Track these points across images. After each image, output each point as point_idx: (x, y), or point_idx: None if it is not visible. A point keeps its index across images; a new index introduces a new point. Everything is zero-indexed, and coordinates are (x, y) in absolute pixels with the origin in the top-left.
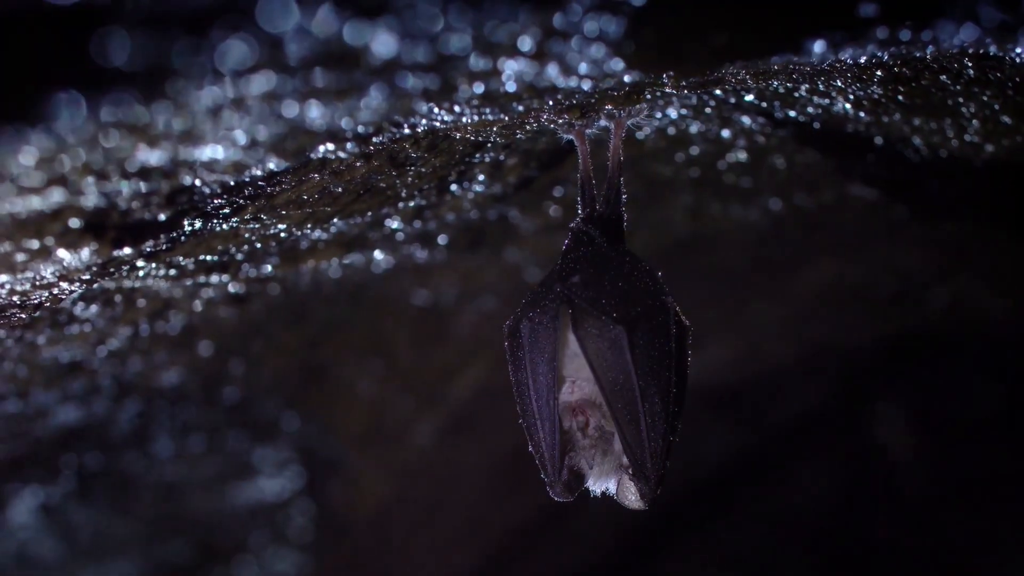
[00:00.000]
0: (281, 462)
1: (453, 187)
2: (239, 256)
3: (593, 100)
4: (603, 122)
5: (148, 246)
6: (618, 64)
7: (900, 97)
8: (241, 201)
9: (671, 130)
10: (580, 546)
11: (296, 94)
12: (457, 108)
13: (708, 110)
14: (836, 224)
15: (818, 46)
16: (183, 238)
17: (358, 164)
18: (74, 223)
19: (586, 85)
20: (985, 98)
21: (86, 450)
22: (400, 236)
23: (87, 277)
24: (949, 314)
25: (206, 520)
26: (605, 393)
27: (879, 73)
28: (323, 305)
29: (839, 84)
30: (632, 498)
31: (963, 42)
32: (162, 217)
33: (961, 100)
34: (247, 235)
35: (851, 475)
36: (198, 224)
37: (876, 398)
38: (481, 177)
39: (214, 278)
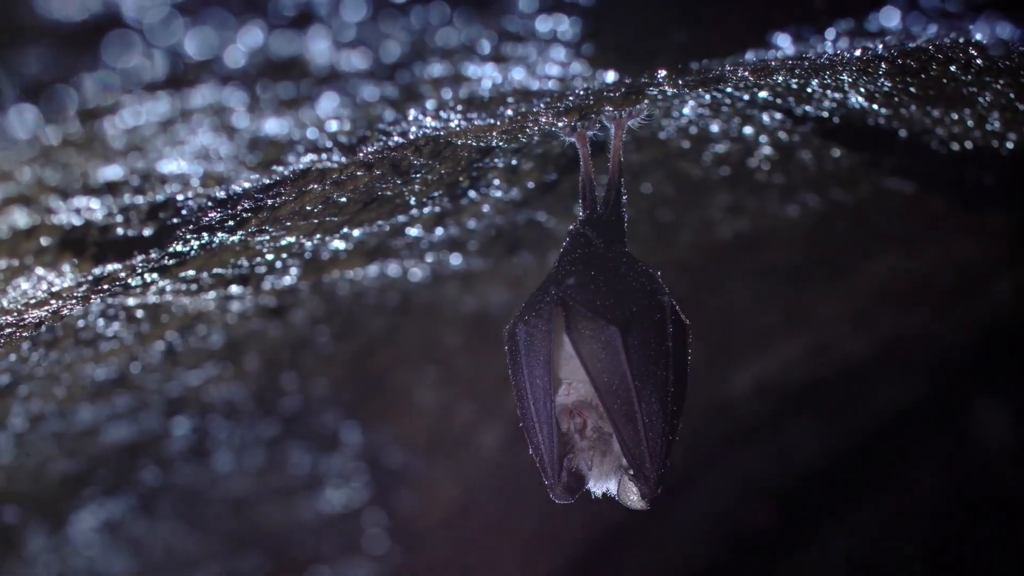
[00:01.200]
0: (347, 473)
1: (470, 193)
2: (259, 269)
3: (591, 102)
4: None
5: (139, 262)
6: (581, 65)
7: (912, 89)
8: (244, 214)
9: (692, 129)
10: (673, 551)
11: (244, 106)
12: (443, 114)
13: (725, 108)
14: (882, 218)
15: (780, 40)
16: (192, 252)
17: (359, 173)
18: (46, 241)
19: (553, 86)
20: (999, 86)
21: (145, 466)
22: (424, 244)
23: (81, 293)
24: (1019, 304)
25: (278, 532)
26: (600, 394)
27: (883, 66)
28: (370, 315)
29: (846, 78)
30: (633, 499)
31: (923, 31)
32: (147, 232)
33: (975, 89)
34: (258, 247)
35: (955, 473)
36: (205, 237)
37: (973, 392)
38: (497, 182)
39: (235, 290)
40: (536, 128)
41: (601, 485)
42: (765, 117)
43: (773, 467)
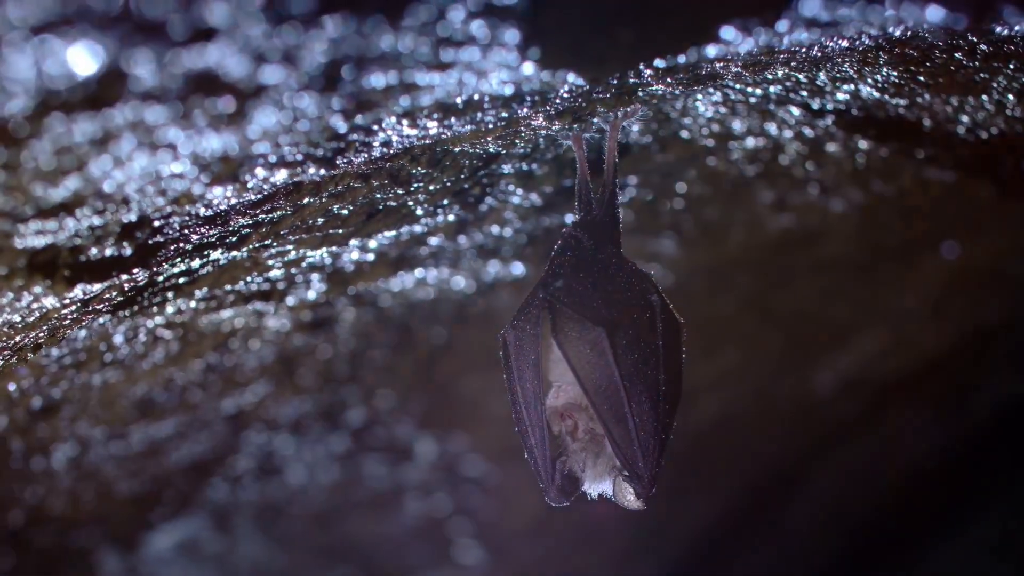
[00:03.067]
0: (426, 483)
1: (487, 200)
2: (280, 285)
3: (582, 104)
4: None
5: (123, 281)
6: (532, 68)
7: (921, 78)
8: (243, 230)
9: (714, 127)
10: (782, 554)
11: (172, 123)
12: (420, 122)
13: (740, 106)
14: (933, 209)
15: (727, 33)
16: (200, 269)
17: (357, 185)
18: (10, 265)
19: (507, 90)
20: (1010, 71)
21: (214, 484)
22: (451, 252)
23: (73, 313)
24: None
25: (366, 545)
26: (589, 395)
27: (882, 55)
28: (426, 326)
29: (849, 70)
30: (630, 499)
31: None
32: (127, 252)
33: (986, 76)
34: (268, 262)
35: None
36: (210, 254)
37: None
38: (512, 188)
39: (261, 306)
40: (532, 133)
41: (596, 486)
42: (783, 113)
43: (882, 463)
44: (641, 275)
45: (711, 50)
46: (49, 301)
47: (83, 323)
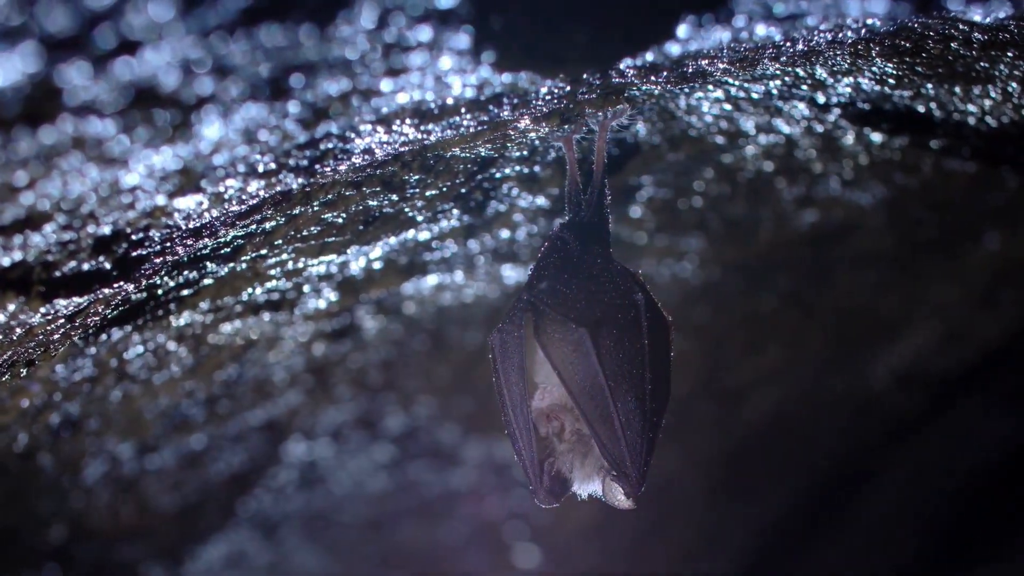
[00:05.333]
0: (477, 487)
1: (492, 204)
2: (290, 294)
3: (569, 105)
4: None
5: (109, 295)
6: (488, 71)
7: (919, 68)
8: (237, 241)
9: (723, 124)
10: (852, 552)
11: (116, 137)
12: (396, 127)
13: (744, 103)
14: (965, 199)
15: (682, 31)
16: (200, 281)
17: (349, 193)
18: None
19: (470, 94)
20: (1009, 58)
21: (257, 495)
22: (462, 257)
23: (58, 328)
24: None
25: (422, 552)
26: (573, 396)
27: (873, 47)
28: (459, 332)
29: (843, 63)
30: (620, 498)
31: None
32: (107, 266)
33: (986, 64)
34: (269, 272)
35: None
36: (208, 266)
37: None
38: (516, 192)
39: (269, 316)
40: (521, 136)
41: (585, 487)
42: (790, 108)
43: (953, 458)
44: (627, 275)
45: (673, 48)
46: (29, 317)
47: (73, 338)
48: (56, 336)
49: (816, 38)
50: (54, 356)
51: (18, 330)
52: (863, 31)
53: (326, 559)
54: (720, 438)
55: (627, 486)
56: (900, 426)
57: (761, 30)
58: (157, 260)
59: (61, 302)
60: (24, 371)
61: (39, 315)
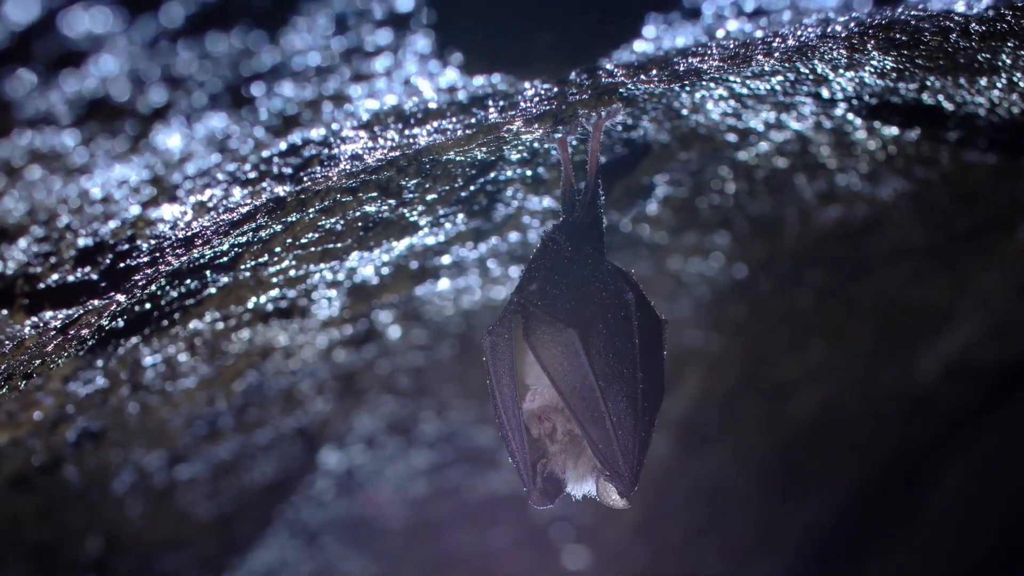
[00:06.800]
0: (520, 491)
1: (499, 207)
2: (300, 302)
3: (562, 107)
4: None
5: (101, 306)
6: (456, 73)
7: (919, 61)
8: (235, 249)
9: (731, 121)
10: (920, 550)
11: (76, 149)
12: (378, 131)
13: (749, 100)
14: (994, 190)
15: (649, 30)
16: (203, 291)
17: (346, 199)
18: None
19: (443, 97)
20: (1010, 48)
21: (295, 503)
22: (474, 260)
23: (50, 339)
24: None
25: (472, 555)
26: (564, 396)
27: (869, 41)
28: None
29: (840, 58)
30: (614, 498)
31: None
32: (94, 277)
33: (988, 56)
34: (272, 280)
35: None
36: (208, 276)
37: None
38: (521, 194)
39: (281, 324)
40: (515, 138)
41: (579, 487)
42: (797, 104)
43: (1014, 451)
44: (619, 274)
45: (646, 47)
46: (16, 331)
47: (68, 350)
48: (50, 348)
49: (805, 32)
50: (52, 368)
51: (8, 343)
52: (852, 24)
53: (373, 566)
54: (769, 435)
55: (620, 486)
56: (956, 420)
57: (733, 26)
58: (149, 270)
59: (48, 314)
60: (23, 384)
61: (28, 327)
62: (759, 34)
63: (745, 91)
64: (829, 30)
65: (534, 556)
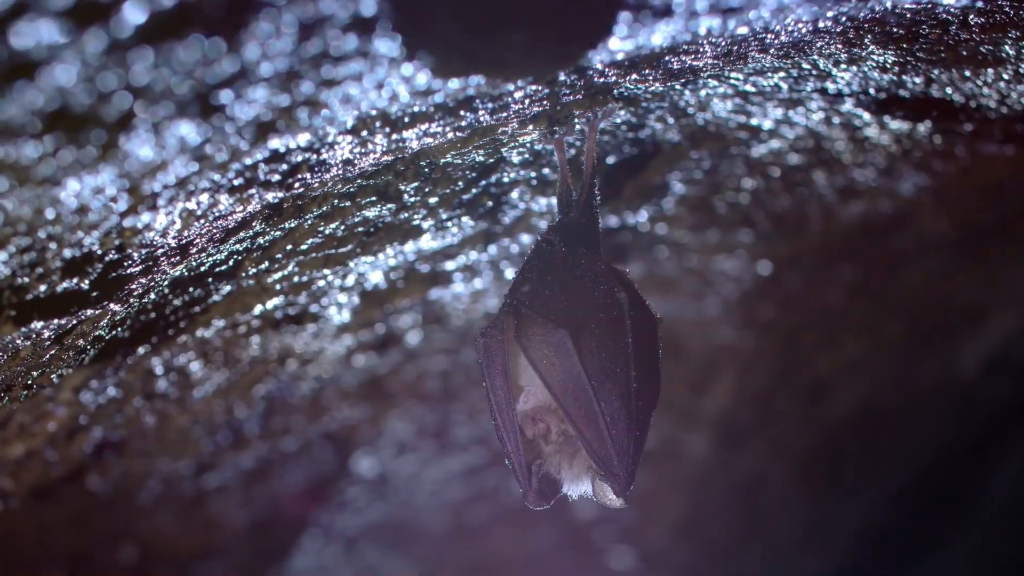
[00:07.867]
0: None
1: (506, 209)
2: (312, 308)
3: (557, 108)
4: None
5: (93, 316)
6: (424, 76)
7: (920, 54)
8: (236, 256)
9: (740, 118)
10: (968, 550)
11: (44, 160)
12: (366, 135)
13: (754, 96)
14: (1013, 183)
15: (620, 28)
16: (207, 298)
17: (345, 204)
18: None
19: (424, 102)
20: (1012, 39)
21: (330, 508)
22: (485, 264)
23: (46, 350)
24: None
25: (516, 558)
26: (557, 397)
27: (866, 35)
28: None
29: (838, 53)
30: (611, 498)
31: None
32: (84, 286)
33: (991, 47)
34: (276, 287)
35: None
36: (211, 283)
37: None
38: (527, 196)
39: (294, 331)
40: (512, 139)
41: (575, 488)
42: (804, 99)
43: None
44: (613, 274)
45: (624, 44)
46: (7, 341)
47: (65, 360)
48: (46, 359)
49: (796, 27)
50: (54, 379)
51: (1, 354)
52: (843, 18)
53: (415, 570)
54: (808, 433)
55: (616, 485)
56: (1003, 416)
57: (709, 23)
58: (144, 279)
59: (38, 324)
60: (24, 394)
61: (20, 338)
62: (743, 31)
63: (750, 88)
64: (821, 25)
65: (578, 558)
